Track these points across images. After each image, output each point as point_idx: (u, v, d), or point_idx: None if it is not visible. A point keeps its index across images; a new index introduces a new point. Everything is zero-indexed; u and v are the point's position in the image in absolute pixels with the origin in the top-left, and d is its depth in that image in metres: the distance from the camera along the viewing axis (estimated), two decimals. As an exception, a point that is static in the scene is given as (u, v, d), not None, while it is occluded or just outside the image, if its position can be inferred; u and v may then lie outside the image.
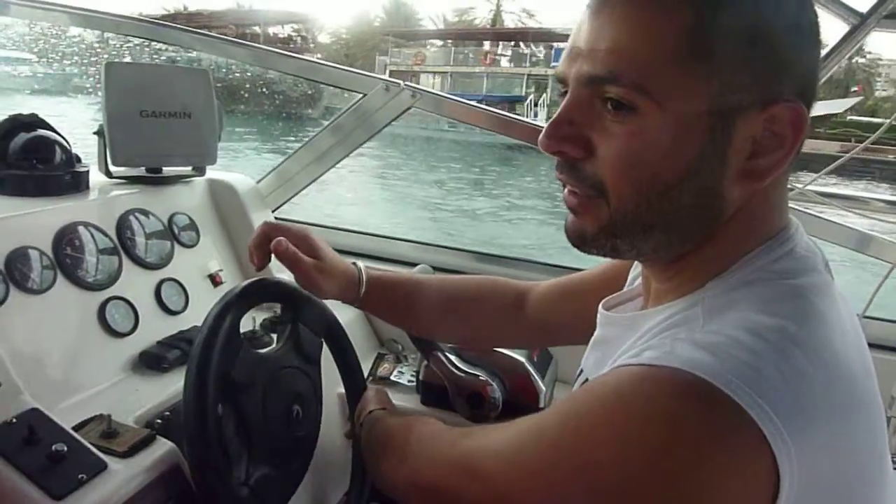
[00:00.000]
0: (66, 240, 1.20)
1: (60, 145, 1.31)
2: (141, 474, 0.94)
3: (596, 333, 0.74)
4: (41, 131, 1.30)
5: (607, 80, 0.53)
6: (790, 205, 0.62)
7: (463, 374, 1.29)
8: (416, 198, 13.19)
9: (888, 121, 1.44)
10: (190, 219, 1.49)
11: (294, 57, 1.70)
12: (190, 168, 1.55)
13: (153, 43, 1.80)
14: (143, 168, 1.48)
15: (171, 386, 1.15)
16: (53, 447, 0.89)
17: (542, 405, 1.32)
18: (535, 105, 25.91)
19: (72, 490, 0.87)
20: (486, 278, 1.10)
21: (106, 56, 2.15)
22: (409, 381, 1.44)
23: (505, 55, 32.10)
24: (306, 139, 1.75)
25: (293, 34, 38.82)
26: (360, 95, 1.60)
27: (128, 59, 1.73)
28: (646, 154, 0.54)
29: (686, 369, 0.47)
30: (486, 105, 1.67)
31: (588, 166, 0.57)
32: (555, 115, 0.58)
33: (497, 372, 1.30)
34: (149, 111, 1.40)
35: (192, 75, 1.50)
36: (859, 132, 21.17)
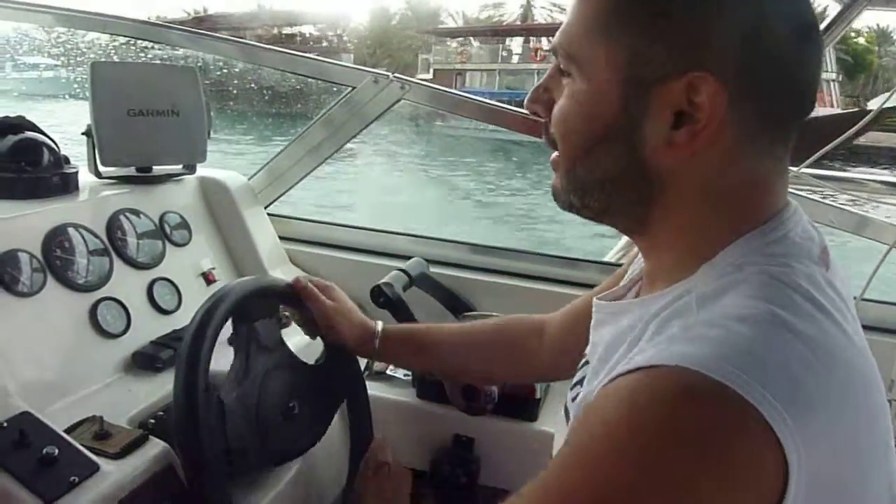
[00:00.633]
0: (55, 241, 1.20)
1: (48, 147, 1.31)
2: (134, 475, 0.94)
3: (591, 322, 0.73)
4: (29, 133, 1.30)
5: (556, 52, 0.61)
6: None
7: (458, 367, 1.28)
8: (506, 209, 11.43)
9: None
10: (181, 217, 1.48)
11: (279, 51, 1.68)
12: (180, 166, 1.54)
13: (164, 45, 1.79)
14: (133, 168, 1.47)
15: (164, 386, 1.14)
16: (44, 450, 0.89)
17: (538, 396, 1.31)
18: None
19: (64, 492, 0.87)
20: (502, 318, 1.14)
21: (117, 58, 2.15)
22: (404, 376, 1.44)
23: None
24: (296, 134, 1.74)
25: (318, 34, 38.23)
26: (350, 89, 1.58)
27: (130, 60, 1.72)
28: (571, 114, 0.60)
29: (683, 365, 0.46)
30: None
31: (551, 126, 0.64)
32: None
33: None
34: (136, 110, 1.40)
35: (180, 73, 1.49)
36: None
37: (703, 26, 0.53)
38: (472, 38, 35.00)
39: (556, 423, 0.81)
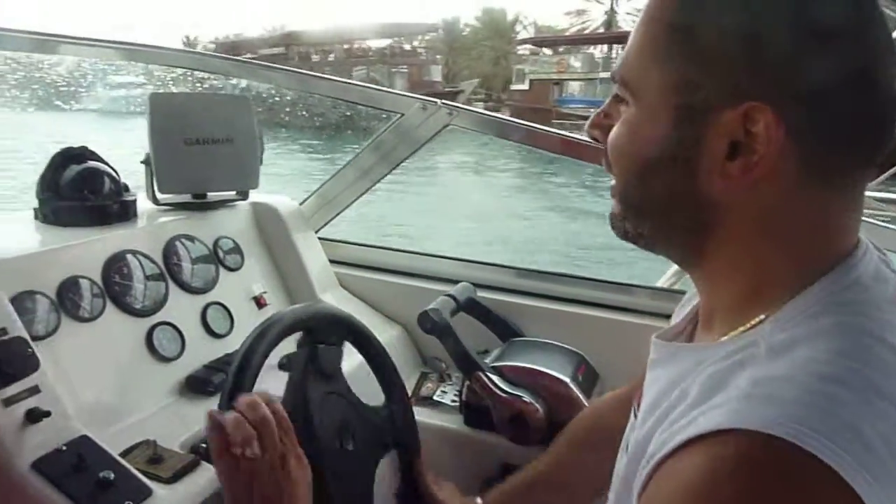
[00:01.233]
0: (114, 268, 1.24)
1: (109, 175, 1.36)
2: (185, 500, 0.95)
3: (648, 360, 0.71)
4: (91, 163, 1.35)
5: (614, 78, 0.61)
6: None
7: (506, 395, 1.27)
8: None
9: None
10: (234, 242, 1.52)
11: (330, 79, 1.71)
12: (234, 192, 1.58)
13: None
14: (188, 194, 1.51)
15: (216, 410, 1.16)
16: (101, 474, 0.91)
17: (587, 425, 1.28)
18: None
19: None
20: (583, 420, 1.11)
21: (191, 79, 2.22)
22: (451, 402, 1.43)
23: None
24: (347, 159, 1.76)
25: (406, 47, 38.42)
26: (399, 115, 1.60)
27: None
28: (624, 140, 0.59)
29: (768, 432, 0.43)
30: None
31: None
32: None
33: (541, 392, 1.27)
34: (192, 139, 1.44)
35: (233, 102, 1.53)
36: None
37: (759, 54, 0.51)
38: (558, 48, 35.08)
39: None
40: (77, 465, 0.92)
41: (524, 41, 41.70)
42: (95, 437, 0.98)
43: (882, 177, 1.33)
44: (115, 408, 1.11)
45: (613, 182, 0.63)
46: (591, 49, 34.18)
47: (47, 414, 0.93)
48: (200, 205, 1.52)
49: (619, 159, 0.60)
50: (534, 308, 1.55)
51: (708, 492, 0.44)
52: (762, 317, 0.54)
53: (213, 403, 1.19)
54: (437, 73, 34.40)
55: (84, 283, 1.17)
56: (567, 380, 1.28)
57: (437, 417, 1.40)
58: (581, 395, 1.27)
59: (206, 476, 1.00)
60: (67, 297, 1.13)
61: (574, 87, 29.73)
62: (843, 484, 0.41)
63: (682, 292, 0.86)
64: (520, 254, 8.44)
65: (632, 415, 0.72)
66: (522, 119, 1.67)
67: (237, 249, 1.52)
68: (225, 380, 0.94)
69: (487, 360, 1.35)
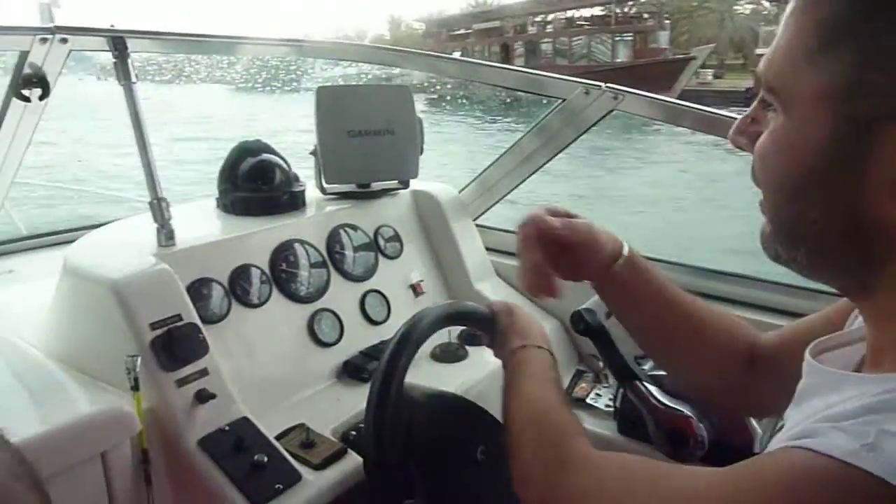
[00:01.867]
0: (282, 256, 1.31)
1: (280, 167, 1.44)
2: (331, 488, 0.99)
3: (800, 384, 0.61)
4: (265, 156, 1.44)
5: (759, 80, 0.53)
6: None
7: (664, 408, 1.17)
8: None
9: None
10: (394, 230, 1.55)
11: (493, 66, 1.67)
12: (396, 181, 1.61)
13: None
14: (353, 184, 1.57)
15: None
16: (256, 456, 0.97)
17: (756, 449, 1.15)
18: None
19: (269, 499, 0.94)
20: (727, 315, 0.94)
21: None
22: (606, 406, 1.35)
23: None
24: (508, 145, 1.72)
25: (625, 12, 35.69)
26: (561, 101, 1.52)
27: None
28: (771, 154, 0.52)
29: (890, 480, 0.38)
30: None
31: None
32: None
33: (705, 409, 1.15)
34: (356, 131, 1.48)
35: (394, 92, 1.55)
36: None
37: None
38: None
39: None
40: (236, 445, 0.99)
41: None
42: (255, 418, 1.05)
43: None
44: (275, 390, 1.18)
45: (761, 197, 0.55)
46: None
47: (213, 396, 1.02)
48: (364, 194, 1.57)
49: (766, 173, 0.53)
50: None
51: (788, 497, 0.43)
52: None
53: (365, 390, 1.23)
54: (664, 40, 31.62)
55: (254, 271, 1.26)
56: (736, 397, 1.15)
57: (590, 422, 1.34)
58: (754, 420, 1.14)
59: (352, 465, 1.03)
60: (238, 284, 1.22)
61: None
62: None
63: None
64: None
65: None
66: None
67: (397, 237, 1.55)
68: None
69: (646, 367, 1.26)
